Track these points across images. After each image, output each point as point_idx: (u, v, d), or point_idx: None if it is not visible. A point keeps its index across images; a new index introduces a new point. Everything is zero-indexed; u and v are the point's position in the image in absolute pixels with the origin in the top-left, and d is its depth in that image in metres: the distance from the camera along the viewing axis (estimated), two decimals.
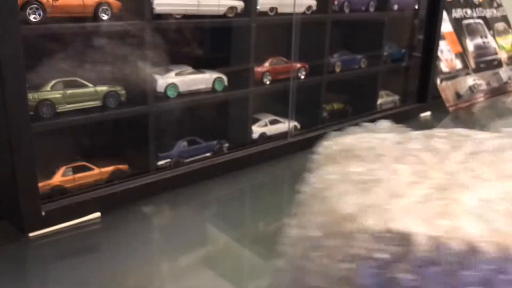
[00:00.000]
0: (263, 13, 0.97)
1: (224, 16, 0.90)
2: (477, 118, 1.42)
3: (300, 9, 1.02)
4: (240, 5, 0.92)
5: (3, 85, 0.62)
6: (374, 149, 0.28)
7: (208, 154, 0.94)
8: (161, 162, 0.87)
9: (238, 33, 0.96)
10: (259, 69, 1.01)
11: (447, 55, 1.44)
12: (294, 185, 0.39)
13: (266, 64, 1.03)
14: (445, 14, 1.39)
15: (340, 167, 0.27)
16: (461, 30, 1.51)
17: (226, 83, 0.94)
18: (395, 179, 0.24)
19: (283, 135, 1.04)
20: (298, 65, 1.07)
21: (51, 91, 0.74)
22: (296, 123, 1.08)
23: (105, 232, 0.72)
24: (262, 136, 1.03)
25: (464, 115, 1.39)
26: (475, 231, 0.19)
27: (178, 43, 0.90)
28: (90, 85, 0.78)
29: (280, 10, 0.99)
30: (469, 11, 1.55)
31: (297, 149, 1.01)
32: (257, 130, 1.02)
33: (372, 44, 1.25)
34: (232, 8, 0.91)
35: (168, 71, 0.88)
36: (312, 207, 0.25)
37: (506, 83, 1.63)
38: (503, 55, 1.66)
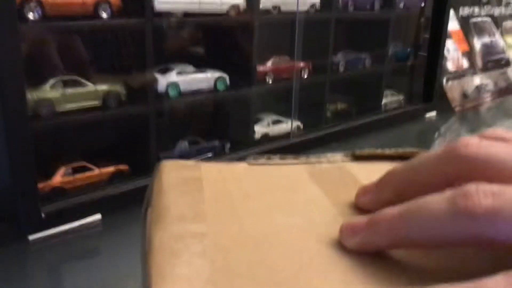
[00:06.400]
0: (266, 11, 0.96)
1: (226, 14, 0.89)
2: (483, 118, 1.40)
3: (304, 7, 1.00)
4: (242, 3, 0.90)
5: (1, 84, 0.61)
6: None
7: (209, 155, 0.92)
8: None
9: (241, 32, 0.94)
10: (261, 68, 0.99)
11: (453, 54, 1.42)
12: None
13: (269, 63, 1.01)
14: (452, 12, 1.37)
15: None
16: (468, 28, 1.49)
17: (228, 82, 0.93)
18: None
19: (286, 135, 1.03)
20: (301, 64, 1.05)
21: (50, 90, 0.73)
22: (299, 123, 1.07)
23: (105, 234, 0.71)
24: (265, 136, 1.01)
25: (471, 116, 1.37)
26: None
27: (179, 42, 0.89)
28: (90, 84, 0.77)
29: (283, 8, 0.97)
30: (476, 9, 1.53)
31: (300, 149, 1.00)
32: (259, 130, 1.01)
33: (377, 43, 1.24)
34: (234, 6, 0.89)
35: (169, 70, 0.87)
36: None
37: None
38: (511, 54, 1.63)
